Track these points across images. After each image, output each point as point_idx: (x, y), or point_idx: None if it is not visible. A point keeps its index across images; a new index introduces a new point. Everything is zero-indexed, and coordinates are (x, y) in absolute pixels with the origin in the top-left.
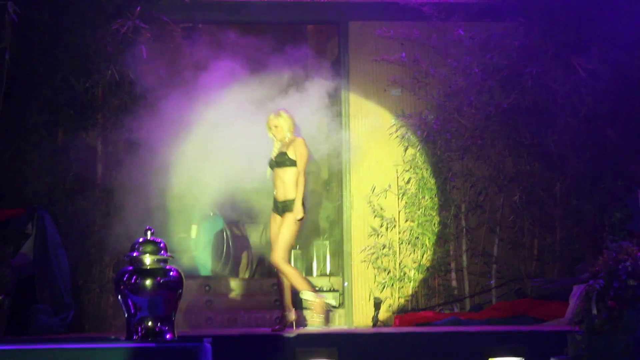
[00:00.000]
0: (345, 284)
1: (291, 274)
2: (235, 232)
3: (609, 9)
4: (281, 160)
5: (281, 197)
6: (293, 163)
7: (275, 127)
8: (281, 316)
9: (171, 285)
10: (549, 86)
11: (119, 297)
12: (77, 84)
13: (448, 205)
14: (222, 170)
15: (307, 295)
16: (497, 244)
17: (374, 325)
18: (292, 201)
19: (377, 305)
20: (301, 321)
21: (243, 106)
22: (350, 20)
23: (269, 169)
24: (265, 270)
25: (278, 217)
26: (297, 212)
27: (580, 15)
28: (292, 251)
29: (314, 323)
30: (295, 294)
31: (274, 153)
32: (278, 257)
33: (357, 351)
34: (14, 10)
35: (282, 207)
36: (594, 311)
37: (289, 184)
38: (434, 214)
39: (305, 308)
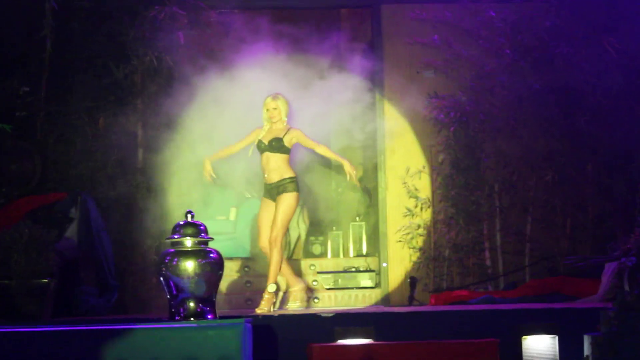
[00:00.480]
0: (384, 264)
1: (277, 262)
2: None
3: None
4: (277, 146)
5: (276, 178)
6: (287, 151)
7: (274, 109)
8: (290, 293)
9: (212, 266)
10: (580, 66)
11: (161, 279)
12: (116, 70)
13: (481, 185)
14: (258, 154)
15: (271, 288)
16: (530, 223)
17: (410, 304)
18: (289, 180)
19: (413, 284)
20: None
21: (279, 89)
22: (383, 4)
23: (251, 149)
24: (304, 250)
25: (270, 202)
26: (348, 165)
27: None
28: (330, 232)
29: (293, 307)
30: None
31: (262, 136)
32: (278, 237)
33: (393, 330)
34: None
35: (277, 189)
36: (627, 288)
37: (283, 167)
38: (468, 193)
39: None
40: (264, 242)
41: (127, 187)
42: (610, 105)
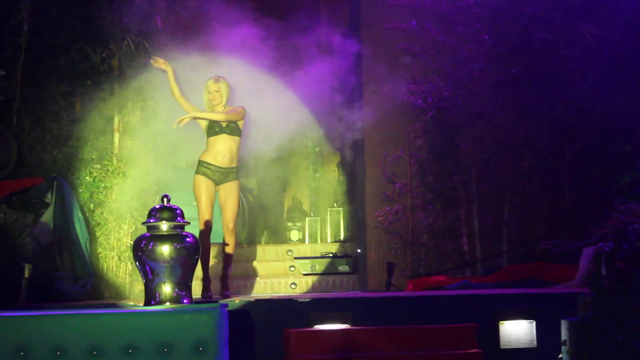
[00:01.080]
0: (359, 251)
1: (234, 246)
2: (250, 199)
3: None
4: (234, 128)
5: (227, 163)
6: (240, 133)
7: (217, 91)
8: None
9: (188, 251)
10: (558, 52)
11: (137, 263)
12: (93, 55)
13: (459, 171)
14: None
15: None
16: (508, 209)
17: (387, 289)
18: (236, 168)
19: (390, 270)
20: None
21: (257, 75)
22: None
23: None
24: (281, 238)
25: (210, 183)
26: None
27: None
28: (307, 218)
29: None
30: None
31: (211, 117)
32: (234, 224)
33: (371, 315)
34: None
35: (226, 174)
36: (604, 273)
37: (235, 151)
38: (446, 179)
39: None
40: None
41: (103, 172)
42: (588, 92)
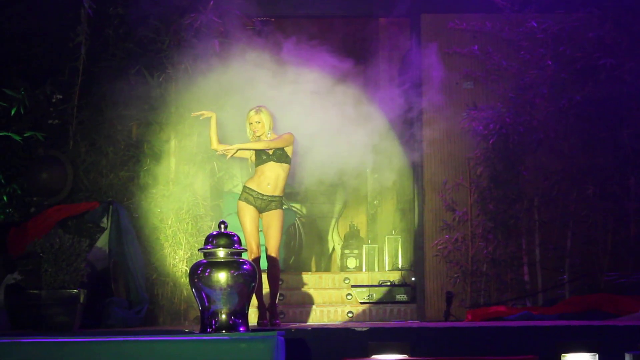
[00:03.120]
0: (413, 278)
1: (278, 274)
2: (308, 226)
3: None
4: (281, 155)
5: (271, 191)
6: (289, 160)
7: (258, 122)
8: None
9: (244, 278)
10: (623, 78)
11: (193, 290)
12: (150, 78)
13: (520, 199)
14: (293, 165)
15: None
16: (570, 238)
17: (446, 319)
18: (280, 197)
19: (449, 299)
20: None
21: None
22: (422, 13)
23: (252, 160)
24: (338, 265)
25: (253, 210)
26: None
27: None
28: (364, 246)
29: None
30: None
31: (254, 146)
32: (277, 253)
33: (429, 346)
34: (90, 5)
35: (268, 203)
36: None
37: (282, 179)
38: (506, 207)
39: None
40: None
41: (159, 197)
42: None
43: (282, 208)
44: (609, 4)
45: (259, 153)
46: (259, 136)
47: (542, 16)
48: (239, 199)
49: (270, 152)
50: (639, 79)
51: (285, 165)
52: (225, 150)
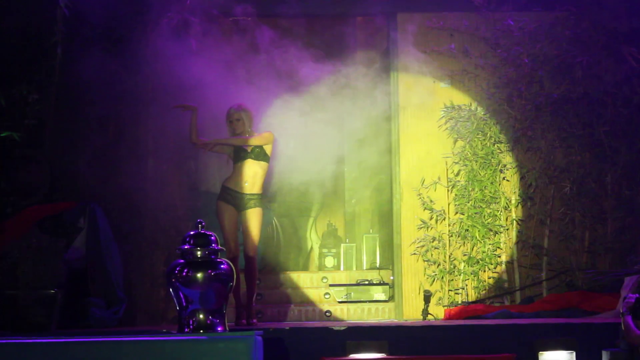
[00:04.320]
0: (391, 277)
1: (256, 274)
2: (285, 225)
3: None
4: (260, 152)
5: (249, 189)
6: (268, 159)
7: (238, 120)
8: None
9: (222, 277)
10: (600, 76)
11: (171, 290)
12: (128, 78)
13: (498, 197)
14: (271, 164)
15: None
16: (548, 236)
17: (424, 318)
18: (259, 195)
19: (427, 298)
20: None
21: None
22: (399, 12)
23: (230, 156)
24: (316, 264)
25: (232, 209)
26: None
27: (632, 4)
28: (342, 245)
29: None
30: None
31: (233, 142)
32: (255, 252)
33: (407, 344)
34: (66, 5)
35: (247, 201)
36: None
37: (260, 177)
38: (484, 206)
39: None
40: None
41: (136, 197)
42: (630, 116)
43: (261, 206)
44: (585, 2)
45: (237, 150)
46: (238, 134)
47: (519, 14)
48: (218, 199)
49: (249, 149)
50: (616, 76)
51: (263, 164)
52: (204, 144)
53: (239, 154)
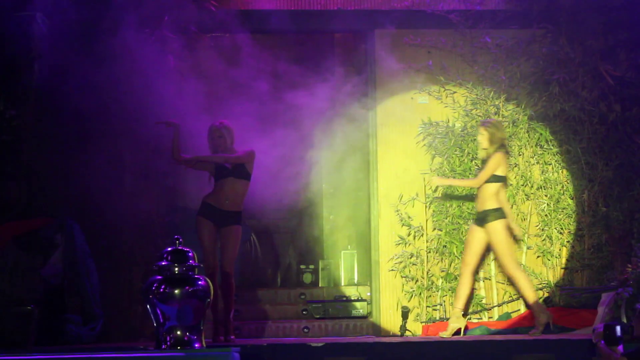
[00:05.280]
0: (369, 293)
1: (233, 290)
2: (263, 241)
3: (637, 14)
4: (241, 171)
5: (229, 207)
6: (249, 177)
7: (220, 137)
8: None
9: (200, 294)
10: (577, 93)
11: (148, 306)
12: (106, 95)
13: (474, 214)
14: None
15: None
16: (525, 253)
17: (402, 334)
18: (239, 213)
19: (405, 314)
20: None
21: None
22: (377, 29)
23: (212, 173)
24: (293, 280)
25: (211, 224)
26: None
27: (609, 22)
28: (320, 261)
29: None
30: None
31: (214, 159)
32: (232, 268)
33: None
34: (43, 21)
35: (227, 218)
36: (623, 319)
37: (241, 195)
38: (462, 222)
39: None
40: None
41: (114, 214)
42: (607, 133)
43: (240, 224)
44: (562, 19)
45: (218, 168)
46: (220, 151)
47: (496, 32)
48: (198, 214)
49: (230, 167)
50: (592, 93)
51: (244, 182)
52: (186, 161)
53: (221, 172)
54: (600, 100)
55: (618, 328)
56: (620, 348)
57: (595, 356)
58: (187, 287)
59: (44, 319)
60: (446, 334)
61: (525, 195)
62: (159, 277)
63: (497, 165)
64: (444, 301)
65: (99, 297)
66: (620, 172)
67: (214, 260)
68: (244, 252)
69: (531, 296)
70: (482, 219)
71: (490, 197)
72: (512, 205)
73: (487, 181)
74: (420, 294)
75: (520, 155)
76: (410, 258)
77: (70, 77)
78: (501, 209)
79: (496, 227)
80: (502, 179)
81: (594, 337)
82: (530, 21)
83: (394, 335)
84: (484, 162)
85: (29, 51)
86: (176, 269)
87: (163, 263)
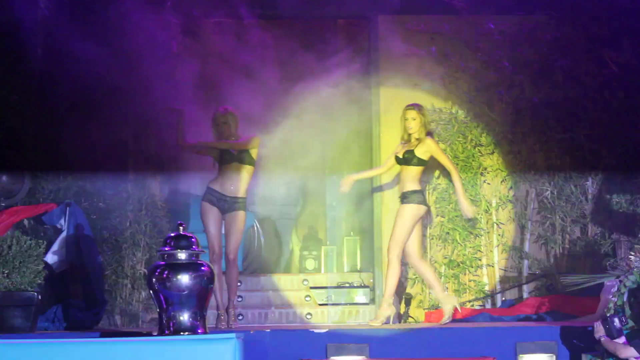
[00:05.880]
0: (371, 280)
1: (237, 276)
2: (266, 228)
3: None
4: (245, 157)
5: (233, 193)
6: (253, 162)
7: (224, 123)
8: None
9: (203, 280)
10: (581, 80)
11: (151, 292)
12: (110, 80)
13: (479, 201)
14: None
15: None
16: (528, 240)
17: (405, 321)
18: (243, 199)
19: (408, 301)
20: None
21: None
22: (380, 14)
23: (216, 159)
24: (296, 267)
25: (216, 210)
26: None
27: (613, 8)
28: (323, 247)
29: None
30: None
31: (218, 145)
32: (236, 254)
33: (388, 347)
34: (46, 5)
35: (231, 204)
36: (626, 307)
37: (244, 181)
38: None
39: None
40: (218, 253)
41: (118, 199)
42: (611, 120)
43: (244, 210)
44: (566, 6)
45: (223, 154)
46: (224, 137)
47: (500, 18)
48: (202, 200)
49: (235, 153)
50: (596, 80)
51: (249, 167)
52: (190, 146)
53: (225, 157)
54: (604, 87)
55: (616, 320)
56: (622, 338)
57: (598, 343)
58: (190, 273)
59: (47, 304)
60: (376, 323)
61: (529, 182)
62: (162, 262)
63: (436, 150)
64: (447, 288)
65: (102, 282)
66: (623, 159)
67: (219, 246)
68: (247, 238)
69: (391, 285)
70: (401, 199)
71: (412, 179)
72: (514, 193)
73: (412, 164)
74: (423, 281)
75: (523, 142)
76: None
77: (73, 62)
78: (421, 192)
79: (406, 210)
80: (425, 163)
81: (595, 333)
82: (534, 7)
83: (397, 322)
84: (406, 144)
85: (32, 36)
86: (179, 254)
87: (166, 248)
